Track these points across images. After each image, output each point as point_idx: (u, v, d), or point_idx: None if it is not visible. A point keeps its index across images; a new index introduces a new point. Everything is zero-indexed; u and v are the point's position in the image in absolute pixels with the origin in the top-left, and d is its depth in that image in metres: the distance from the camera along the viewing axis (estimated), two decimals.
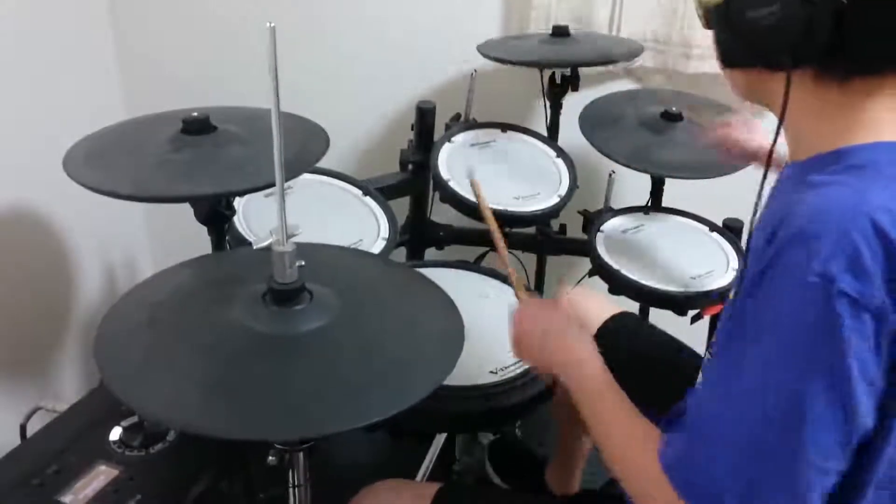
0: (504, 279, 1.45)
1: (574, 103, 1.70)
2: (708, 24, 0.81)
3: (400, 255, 1.78)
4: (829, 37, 0.67)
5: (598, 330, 1.28)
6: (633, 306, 1.52)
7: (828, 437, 0.65)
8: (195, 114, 1.16)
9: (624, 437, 0.81)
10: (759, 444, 0.67)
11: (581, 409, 0.86)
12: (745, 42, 0.75)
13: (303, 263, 0.86)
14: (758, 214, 0.77)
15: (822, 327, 0.63)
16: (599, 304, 1.34)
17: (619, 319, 1.30)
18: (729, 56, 0.79)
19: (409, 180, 1.68)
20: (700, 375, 0.91)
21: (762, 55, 0.74)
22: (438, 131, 1.70)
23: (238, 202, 1.33)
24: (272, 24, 0.76)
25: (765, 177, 0.76)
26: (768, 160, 0.76)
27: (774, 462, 0.66)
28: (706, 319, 1.46)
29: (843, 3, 0.66)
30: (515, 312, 1.01)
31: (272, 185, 0.85)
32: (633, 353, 1.24)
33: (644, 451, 0.76)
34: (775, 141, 0.75)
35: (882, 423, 0.68)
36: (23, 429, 1.26)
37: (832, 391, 0.64)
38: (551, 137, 1.78)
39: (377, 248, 1.37)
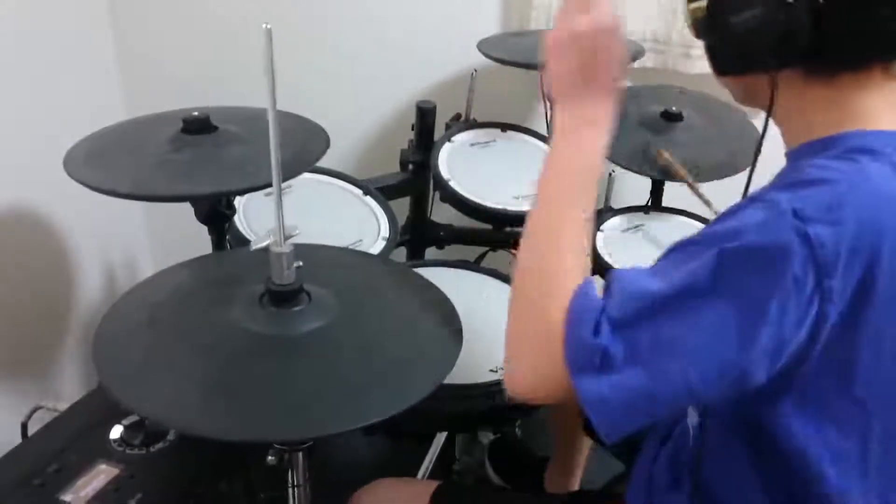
0: (506, 279, 1.45)
1: None
2: (698, 35, 0.81)
3: (400, 255, 1.78)
4: (810, 36, 0.68)
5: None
6: None
7: (714, 350, 0.64)
8: (195, 113, 1.16)
9: (551, 255, 0.76)
10: (655, 310, 0.66)
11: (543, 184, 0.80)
12: (731, 48, 0.76)
13: (300, 264, 0.86)
14: None
15: (769, 255, 0.63)
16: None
17: None
18: (720, 63, 0.80)
19: (410, 180, 1.69)
20: None
21: (748, 59, 0.75)
22: (438, 131, 1.70)
23: (238, 201, 1.33)
24: (268, 26, 0.76)
25: (750, 177, 0.77)
26: (754, 160, 0.77)
27: (659, 349, 0.65)
28: None
29: (819, 3, 0.67)
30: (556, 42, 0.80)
31: (272, 184, 0.85)
32: None
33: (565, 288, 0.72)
34: (762, 141, 0.76)
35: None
36: (24, 428, 1.26)
37: (740, 316, 0.63)
38: (551, 137, 1.78)
39: (377, 248, 1.37)
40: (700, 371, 0.65)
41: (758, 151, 0.77)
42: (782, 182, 0.70)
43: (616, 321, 0.67)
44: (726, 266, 0.64)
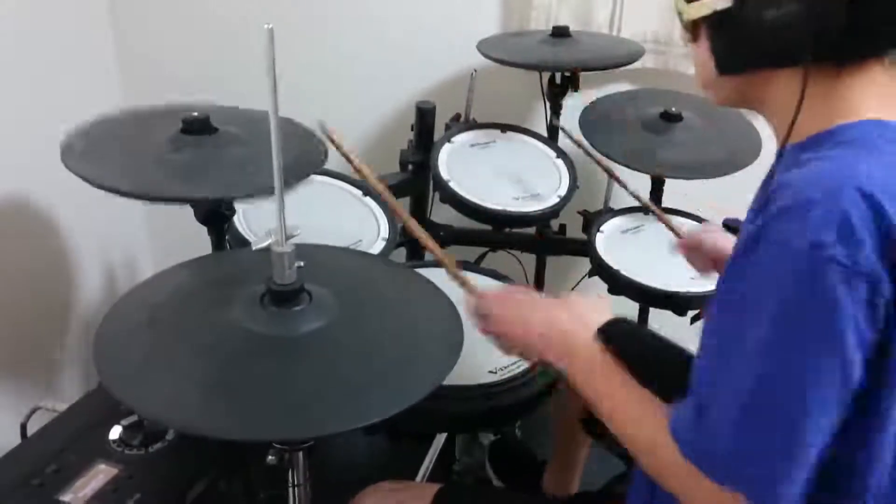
0: (505, 279, 1.45)
1: (574, 103, 1.70)
2: (695, 37, 0.81)
3: (400, 255, 1.78)
4: (843, 29, 0.69)
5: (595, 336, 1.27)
6: (633, 306, 1.52)
7: (825, 396, 0.66)
8: (195, 114, 1.16)
9: (627, 405, 0.81)
10: (760, 407, 0.68)
11: (579, 387, 0.86)
12: (756, 43, 0.75)
13: (302, 264, 0.86)
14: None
15: (814, 294, 0.65)
16: (596, 308, 1.34)
17: (616, 325, 1.29)
18: (729, 62, 0.79)
19: (409, 180, 1.68)
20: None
21: (775, 54, 0.75)
22: (438, 131, 1.70)
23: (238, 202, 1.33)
24: (270, 26, 0.76)
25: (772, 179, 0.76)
26: (777, 159, 0.76)
27: (775, 423, 0.68)
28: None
29: None
30: (474, 305, 0.96)
31: (272, 191, 0.85)
32: (630, 357, 1.23)
33: (649, 416, 0.77)
34: (792, 124, 0.74)
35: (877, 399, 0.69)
36: (23, 428, 1.26)
37: (827, 355, 0.65)
38: (551, 138, 1.78)
39: (377, 248, 1.37)
40: (820, 420, 0.67)
41: (782, 149, 0.76)
42: (780, 203, 0.68)
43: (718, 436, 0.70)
44: (786, 336, 0.66)
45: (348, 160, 1.01)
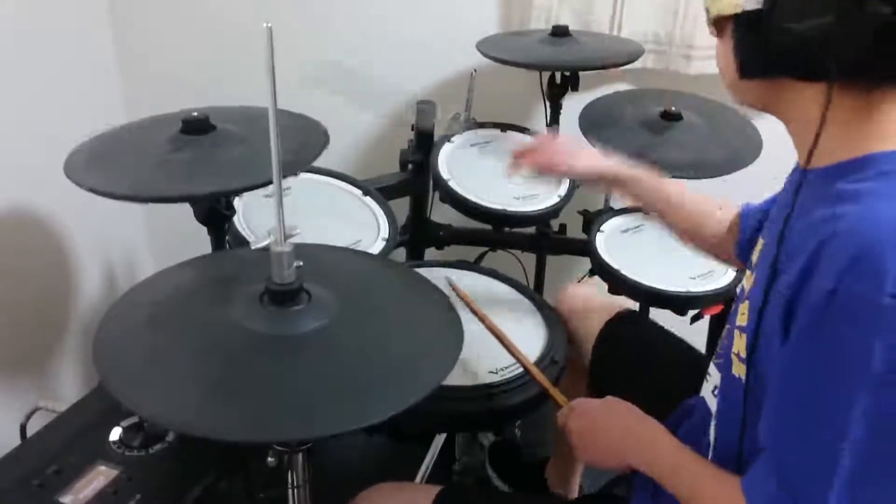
0: (505, 279, 1.45)
1: (574, 103, 1.70)
2: (721, 33, 0.79)
3: (400, 255, 1.78)
4: (872, 50, 0.66)
5: (602, 329, 1.28)
6: (632, 306, 1.52)
7: None
8: (195, 114, 1.16)
9: (710, 495, 0.80)
10: (862, 478, 0.67)
11: (663, 484, 0.86)
12: (780, 51, 0.72)
13: (301, 264, 0.86)
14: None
15: None
16: (600, 302, 1.34)
17: (621, 319, 1.30)
18: (754, 65, 0.77)
19: (409, 180, 1.68)
20: (710, 384, 0.91)
21: (798, 65, 0.73)
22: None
23: (238, 202, 1.33)
24: (269, 25, 0.75)
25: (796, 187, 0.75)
26: (809, 159, 0.74)
27: (880, 489, 0.67)
28: (706, 319, 1.46)
29: (890, 17, 0.65)
30: (568, 420, 0.99)
31: (271, 182, 0.85)
32: (636, 352, 1.24)
33: (735, 499, 0.75)
34: (815, 144, 0.72)
35: None
36: (23, 429, 1.26)
37: None
38: None
39: (377, 248, 1.37)
40: None
41: (811, 154, 0.73)
42: (832, 231, 0.66)
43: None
44: (889, 404, 0.65)
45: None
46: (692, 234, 1.13)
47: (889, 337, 0.63)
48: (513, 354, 1.14)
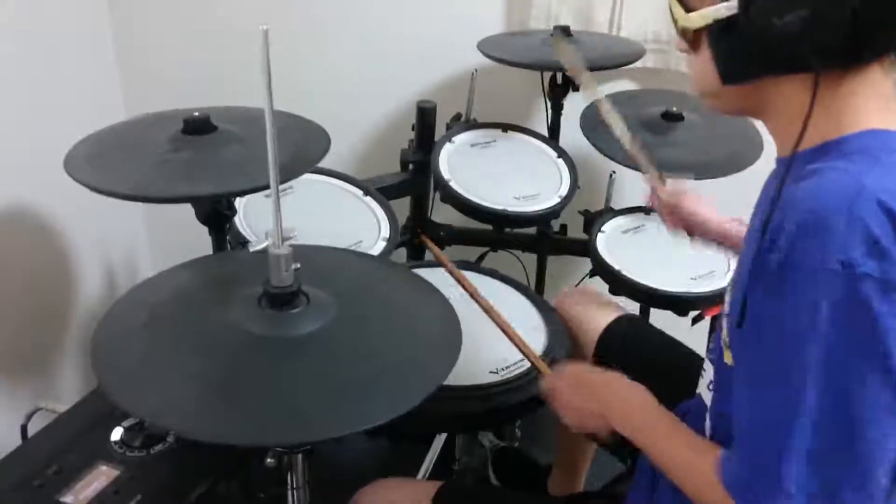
0: (505, 279, 1.45)
1: (575, 103, 1.70)
2: (695, 47, 0.79)
3: (400, 255, 1.77)
4: (850, 34, 0.68)
5: (601, 334, 1.28)
6: (633, 307, 1.52)
7: (884, 416, 0.66)
8: (196, 114, 1.16)
9: (683, 461, 0.81)
10: (821, 444, 0.67)
11: (635, 441, 0.87)
12: (763, 51, 0.72)
13: (298, 266, 0.86)
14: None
15: (853, 313, 0.64)
16: (600, 306, 1.34)
17: (621, 322, 1.30)
18: (736, 70, 0.77)
19: (410, 180, 1.68)
20: (706, 379, 0.91)
21: (783, 61, 0.73)
22: (439, 131, 1.69)
23: (239, 202, 1.33)
24: (265, 27, 0.75)
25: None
26: (790, 161, 0.74)
27: (840, 456, 0.67)
28: (707, 320, 1.46)
29: (856, 2, 0.66)
30: (554, 379, 1.02)
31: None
32: (636, 355, 1.24)
33: (706, 473, 0.76)
34: (803, 132, 0.73)
35: None
36: (23, 429, 1.26)
37: (879, 373, 0.65)
38: (552, 138, 1.78)
39: (377, 248, 1.37)
40: (884, 441, 0.67)
41: (795, 152, 0.74)
42: (798, 219, 0.67)
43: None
44: (837, 366, 0.66)
45: None
46: None
47: (834, 297, 0.65)
48: (499, 326, 1.16)
